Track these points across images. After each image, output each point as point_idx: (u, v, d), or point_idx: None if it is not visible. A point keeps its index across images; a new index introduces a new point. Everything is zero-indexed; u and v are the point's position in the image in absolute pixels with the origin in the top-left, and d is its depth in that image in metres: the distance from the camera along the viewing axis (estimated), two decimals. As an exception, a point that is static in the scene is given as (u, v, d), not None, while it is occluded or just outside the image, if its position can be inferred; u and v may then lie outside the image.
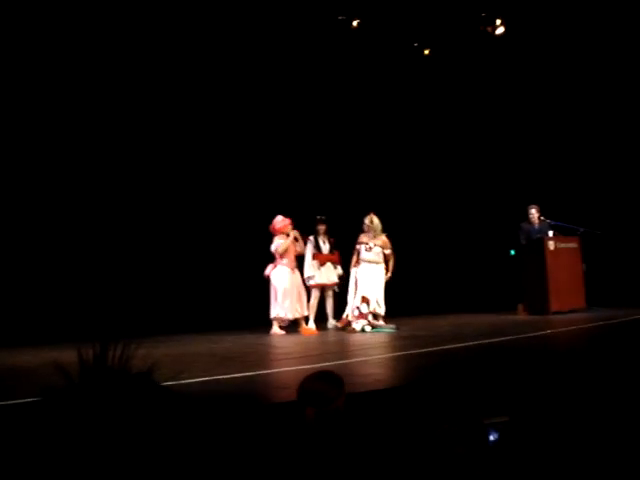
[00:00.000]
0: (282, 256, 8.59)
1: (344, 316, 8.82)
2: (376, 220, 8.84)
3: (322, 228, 9.24)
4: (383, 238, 8.87)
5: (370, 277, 8.73)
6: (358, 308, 8.59)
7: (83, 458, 0.70)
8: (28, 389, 4.12)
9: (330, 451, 2.49)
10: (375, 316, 8.70)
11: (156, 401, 0.77)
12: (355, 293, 8.76)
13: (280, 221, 8.67)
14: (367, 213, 8.93)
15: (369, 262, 8.76)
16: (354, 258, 8.96)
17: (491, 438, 1.26)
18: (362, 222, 8.87)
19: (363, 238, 8.85)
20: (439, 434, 1.30)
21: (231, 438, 3.28)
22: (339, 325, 9.05)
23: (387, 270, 8.88)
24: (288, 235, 8.65)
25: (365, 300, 8.55)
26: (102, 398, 0.74)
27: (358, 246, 8.89)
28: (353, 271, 8.93)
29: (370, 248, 8.76)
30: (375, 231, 8.79)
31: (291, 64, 10.42)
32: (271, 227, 8.68)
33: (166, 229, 9.53)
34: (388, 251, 8.87)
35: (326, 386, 2.57)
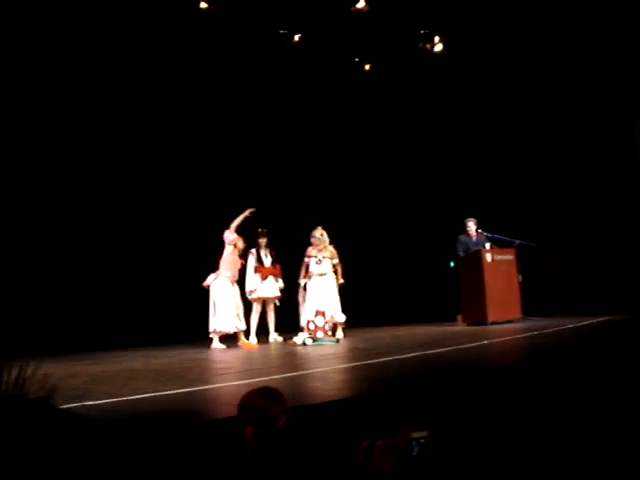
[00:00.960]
0: (227, 267, 8.56)
1: (305, 326, 8.78)
2: (325, 233, 9.02)
3: (264, 241, 9.23)
4: (331, 249, 9.05)
5: (322, 289, 8.84)
6: (313, 322, 8.64)
7: None
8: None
9: (268, 470, 2.45)
10: (335, 325, 8.91)
11: (54, 427, 0.74)
12: (304, 306, 8.92)
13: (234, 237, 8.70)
14: (314, 227, 9.06)
15: (319, 275, 8.87)
16: (303, 271, 9.06)
17: (415, 452, 1.28)
18: (310, 235, 8.99)
19: (312, 251, 8.97)
20: (366, 450, 1.31)
21: (165, 457, 3.23)
22: (280, 338, 9.10)
23: (337, 279, 9.07)
24: (236, 246, 8.67)
25: (320, 313, 8.64)
26: None
27: (307, 259, 9.01)
28: (303, 283, 9.04)
29: (320, 261, 8.90)
30: (324, 243, 8.94)
31: (236, 77, 10.43)
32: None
33: (103, 242, 9.34)
34: (336, 260, 9.07)
35: (268, 404, 2.49)
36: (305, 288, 9.04)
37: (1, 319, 8.17)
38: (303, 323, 8.79)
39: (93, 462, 0.77)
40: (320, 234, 8.93)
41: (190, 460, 3.26)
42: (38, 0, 8.26)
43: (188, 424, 3.71)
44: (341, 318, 8.90)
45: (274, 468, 2.42)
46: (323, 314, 8.67)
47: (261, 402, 2.50)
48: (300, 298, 9.13)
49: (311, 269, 8.93)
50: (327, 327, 8.69)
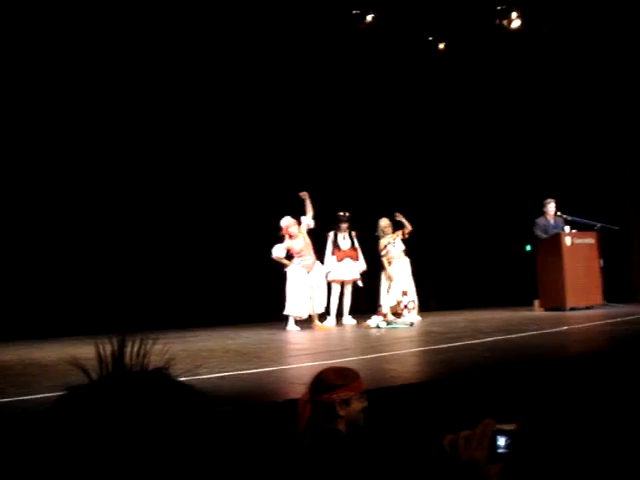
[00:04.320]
0: (299, 254, 8.61)
1: (384, 310, 9.08)
2: (384, 222, 9.50)
3: (345, 225, 9.20)
4: (393, 233, 9.50)
5: (402, 271, 9.35)
6: (401, 301, 9.19)
7: (104, 456, 0.69)
8: (47, 384, 4.17)
9: (322, 447, 2.35)
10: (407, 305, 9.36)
11: (175, 398, 0.77)
12: (389, 289, 9.39)
13: (292, 223, 8.65)
14: (378, 217, 9.56)
15: (398, 257, 9.40)
16: (385, 262, 9.40)
17: (501, 445, 1.24)
18: (377, 230, 9.48)
19: (383, 241, 9.40)
20: (452, 443, 1.27)
21: (244, 435, 3.29)
22: (353, 321, 9.14)
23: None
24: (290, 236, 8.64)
25: (404, 293, 9.21)
26: (122, 396, 0.74)
27: (383, 252, 9.39)
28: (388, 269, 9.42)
29: (394, 244, 9.39)
30: (389, 229, 9.45)
31: (309, 61, 10.38)
32: (284, 230, 8.65)
33: (182, 222, 9.54)
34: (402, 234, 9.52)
35: (329, 374, 2.46)
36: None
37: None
38: (390, 304, 9.22)
39: (211, 434, 0.79)
40: (385, 224, 9.44)
41: (268, 438, 3.31)
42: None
43: (267, 403, 3.77)
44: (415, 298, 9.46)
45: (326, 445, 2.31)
46: (406, 293, 9.20)
47: (326, 372, 2.48)
48: (383, 282, 9.43)
49: (391, 254, 9.36)
50: (411, 305, 9.21)
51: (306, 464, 2.31)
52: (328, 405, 2.39)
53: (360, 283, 9.32)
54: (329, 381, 2.42)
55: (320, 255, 9.07)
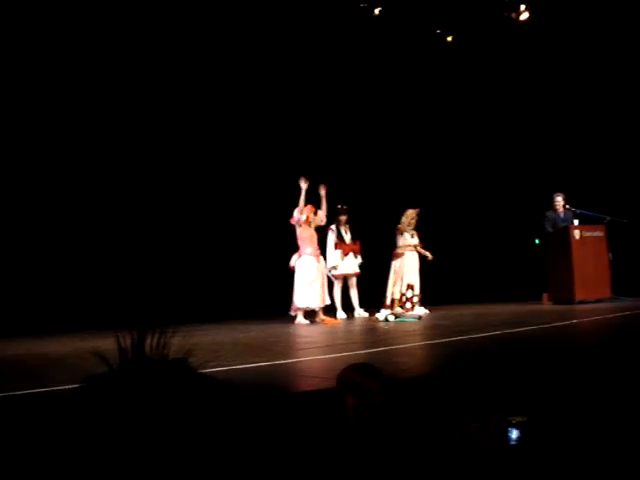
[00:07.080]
0: (305, 244, 8.58)
1: (387, 302, 8.97)
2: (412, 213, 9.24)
3: (344, 218, 9.22)
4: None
5: (412, 264, 9.11)
6: (405, 295, 8.96)
7: (125, 443, 0.70)
8: (59, 377, 4.20)
9: (367, 442, 2.49)
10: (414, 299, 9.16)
11: (195, 388, 0.78)
12: (397, 281, 9.11)
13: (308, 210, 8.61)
14: (406, 208, 9.26)
15: (411, 250, 9.13)
16: (399, 250, 9.18)
17: (513, 437, 1.26)
18: (402, 214, 9.20)
19: (406, 227, 9.15)
20: (468, 431, 1.29)
21: (257, 428, 3.30)
22: (365, 314, 9.14)
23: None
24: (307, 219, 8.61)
25: (410, 286, 9.00)
26: (142, 385, 0.74)
27: (401, 235, 9.15)
28: (396, 261, 9.16)
29: (413, 235, 9.24)
30: (413, 221, 9.23)
31: (315, 54, 10.35)
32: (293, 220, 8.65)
33: (191, 217, 9.57)
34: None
35: (366, 380, 2.56)
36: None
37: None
38: (395, 296, 9.02)
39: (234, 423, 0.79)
40: (413, 217, 9.13)
41: (279, 431, 3.32)
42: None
43: (278, 396, 3.78)
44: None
45: (373, 437, 2.46)
46: (412, 287, 8.99)
47: (360, 378, 2.56)
48: (393, 273, 9.21)
49: (408, 242, 9.14)
50: (415, 300, 8.99)
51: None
52: (375, 404, 2.54)
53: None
54: (373, 388, 2.54)
55: (322, 249, 9.05)
